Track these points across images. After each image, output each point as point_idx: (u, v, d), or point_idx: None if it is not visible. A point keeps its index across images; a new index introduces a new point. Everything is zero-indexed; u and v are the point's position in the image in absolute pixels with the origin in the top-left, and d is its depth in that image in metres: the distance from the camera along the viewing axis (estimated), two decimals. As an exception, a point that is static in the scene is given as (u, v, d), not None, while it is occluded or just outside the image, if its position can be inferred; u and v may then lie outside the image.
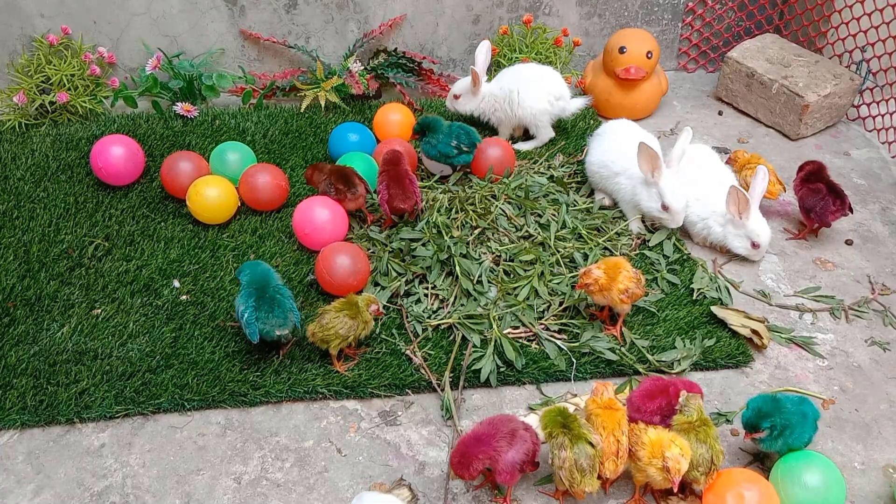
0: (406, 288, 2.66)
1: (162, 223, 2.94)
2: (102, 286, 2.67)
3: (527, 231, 2.86)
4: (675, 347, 2.50)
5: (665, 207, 2.82)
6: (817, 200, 2.88)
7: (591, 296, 2.47)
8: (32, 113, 3.46)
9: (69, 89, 3.47)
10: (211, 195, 2.87)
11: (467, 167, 3.13)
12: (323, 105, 3.52)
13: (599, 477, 1.98)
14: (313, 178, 2.94)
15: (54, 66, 3.47)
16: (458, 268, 2.65)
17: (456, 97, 3.41)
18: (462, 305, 2.60)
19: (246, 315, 2.32)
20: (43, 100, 3.42)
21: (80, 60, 3.51)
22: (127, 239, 2.87)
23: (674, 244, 2.88)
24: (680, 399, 2.08)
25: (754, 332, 2.53)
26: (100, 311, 2.58)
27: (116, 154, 3.02)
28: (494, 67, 3.60)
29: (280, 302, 2.35)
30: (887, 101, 3.52)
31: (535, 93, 3.26)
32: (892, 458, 2.23)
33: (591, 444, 1.94)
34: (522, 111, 3.29)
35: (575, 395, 2.36)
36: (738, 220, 2.78)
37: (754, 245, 2.81)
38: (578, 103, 3.35)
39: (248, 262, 2.54)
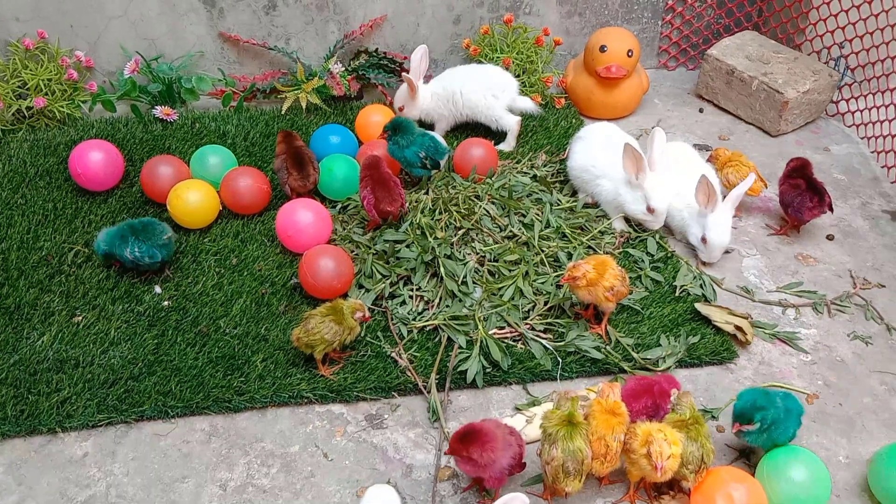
0: (391, 290, 2.65)
1: (143, 228, 2.91)
2: (83, 293, 2.64)
3: (511, 231, 2.85)
4: (659, 345, 2.50)
5: (651, 210, 2.83)
6: (794, 196, 2.90)
7: (576, 291, 2.45)
8: (9, 118, 3.41)
9: (46, 94, 3.43)
10: (192, 199, 2.84)
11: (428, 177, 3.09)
12: (304, 107, 3.50)
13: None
14: (279, 145, 2.97)
15: (31, 70, 3.42)
16: (442, 269, 2.65)
17: (400, 109, 3.43)
18: (447, 307, 2.59)
19: (142, 248, 2.58)
20: (20, 105, 3.37)
21: (57, 65, 3.47)
22: (107, 245, 2.84)
23: (657, 242, 2.89)
24: (672, 398, 2.09)
25: (738, 328, 2.54)
26: (80, 318, 2.55)
27: (95, 159, 2.98)
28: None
29: (150, 222, 2.66)
30: (866, 96, 3.55)
31: (476, 88, 3.34)
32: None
33: (581, 451, 1.94)
34: (469, 110, 3.38)
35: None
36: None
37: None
38: (526, 104, 3.41)
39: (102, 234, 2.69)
